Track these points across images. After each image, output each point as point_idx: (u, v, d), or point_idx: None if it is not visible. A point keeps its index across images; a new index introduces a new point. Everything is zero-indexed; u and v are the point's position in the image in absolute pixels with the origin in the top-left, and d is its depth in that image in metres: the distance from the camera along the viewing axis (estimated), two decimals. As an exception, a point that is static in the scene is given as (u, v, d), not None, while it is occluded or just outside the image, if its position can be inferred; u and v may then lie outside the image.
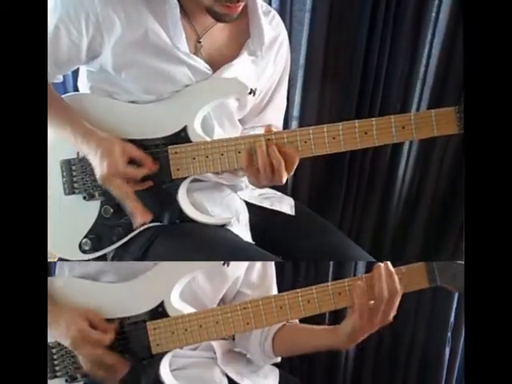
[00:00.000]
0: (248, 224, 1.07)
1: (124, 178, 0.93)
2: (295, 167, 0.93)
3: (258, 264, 1.06)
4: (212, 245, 0.96)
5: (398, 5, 1.40)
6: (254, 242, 1.03)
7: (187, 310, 0.93)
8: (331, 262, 1.53)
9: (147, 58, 0.96)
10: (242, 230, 1.04)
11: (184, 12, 0.98)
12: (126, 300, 0.93)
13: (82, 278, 0.98)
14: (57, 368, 0.93)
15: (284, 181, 0.92)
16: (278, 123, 1.19)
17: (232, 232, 1.01)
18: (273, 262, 1.08)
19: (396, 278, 0.86)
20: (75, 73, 1.10)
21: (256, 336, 1.01)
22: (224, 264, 0.95)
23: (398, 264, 0.88)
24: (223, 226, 1.02)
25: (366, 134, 0.90)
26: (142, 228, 1.00)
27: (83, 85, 1.06)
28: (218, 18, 0.95)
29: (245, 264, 1.04)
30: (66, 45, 0.95)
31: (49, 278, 0.97)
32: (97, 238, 1.01)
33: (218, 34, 1.02)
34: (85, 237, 1.01)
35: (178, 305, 0.92)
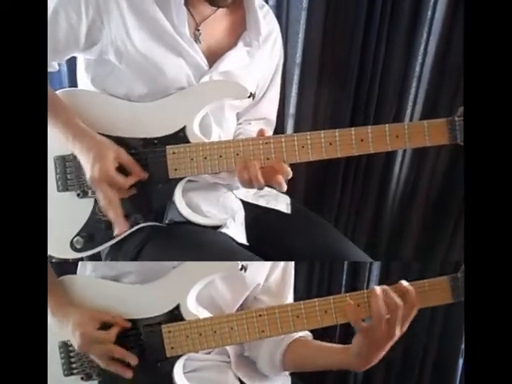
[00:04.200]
0: (244, 223, 1.07)
1: (111, 185, 0.92)
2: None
3: (278, 271, 1.05)
4: (204, 249, 0.95)
5: (394, 3, 1.40)
6: (248, 243, 1.02)
7: (204, 314, 0.92)
8: (345, 267, 1.54)
9: (147, 44, 0.96)
10: (238, 229, 1.04)
11: (184, 0, 0.98)
12: (143, 302, 0.93)
13: (102, 278, 0.97)
14: (73, 365, 0.94)
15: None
16: (272, 116, 1.20)
17: (226, 235, 1.00)
18: (292, 270, 1.07)
19: (413, 293, 0.84)
20: (71, 66, 1.08)
21: (268, 345, 0.99)
22: (241, 269, 0.93)
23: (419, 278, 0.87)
24: (219, 226, 1.01)
25: (362, 141, 0.91)
26: (136, 227, 0.98)
27: (82, 77, 1.04)
28: (213, 2, 0.98)
29: (265, 271, 1.03)
30: (65, 29, 0.94)
31: (68, 276, 0.97)
32: (89, 236, 0.99)
33: (215, 24, 1.04)
34: (77, 235, 0.99)
35: (193, 309, 0.91)
